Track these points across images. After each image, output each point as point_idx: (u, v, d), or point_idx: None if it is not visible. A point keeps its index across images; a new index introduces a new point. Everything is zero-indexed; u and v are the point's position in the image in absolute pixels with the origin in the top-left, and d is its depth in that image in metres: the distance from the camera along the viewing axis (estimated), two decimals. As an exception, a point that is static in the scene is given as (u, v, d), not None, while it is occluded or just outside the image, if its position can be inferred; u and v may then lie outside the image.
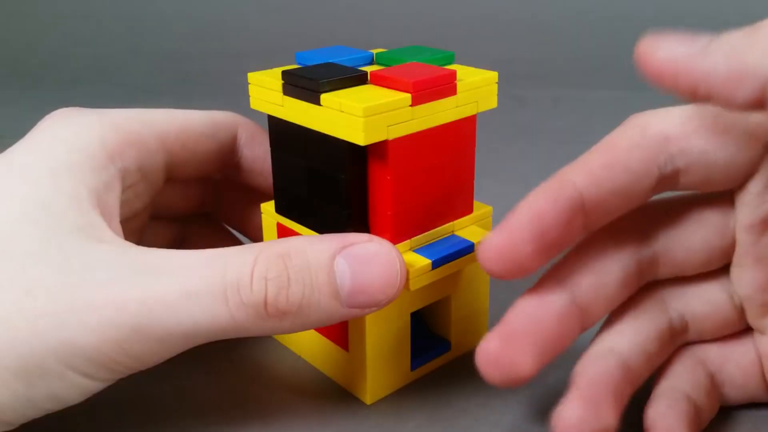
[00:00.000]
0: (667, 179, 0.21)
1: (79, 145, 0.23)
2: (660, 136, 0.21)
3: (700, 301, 0.23)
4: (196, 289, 0.20)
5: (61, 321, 0.20)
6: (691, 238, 0.22)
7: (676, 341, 0.24)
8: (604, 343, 0.22)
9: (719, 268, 0.23)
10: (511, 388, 0.21)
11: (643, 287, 0.23)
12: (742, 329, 0.24)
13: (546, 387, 0.26)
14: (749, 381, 0.24)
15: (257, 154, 0.29)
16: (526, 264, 0.20)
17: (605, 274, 0.22)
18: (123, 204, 0.25)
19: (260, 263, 0.21)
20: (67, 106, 0.26)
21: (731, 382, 0.24)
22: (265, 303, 0.21)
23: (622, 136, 0.21)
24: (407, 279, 0.23)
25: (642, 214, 0.23)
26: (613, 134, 0.22)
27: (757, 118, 0.21)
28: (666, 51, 0.20)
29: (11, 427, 0.21)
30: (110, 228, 0.22)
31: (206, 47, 0.85)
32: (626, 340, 0.22)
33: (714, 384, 0.23)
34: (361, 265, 0.21)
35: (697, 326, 0.23)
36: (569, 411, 0.20)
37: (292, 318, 0.21)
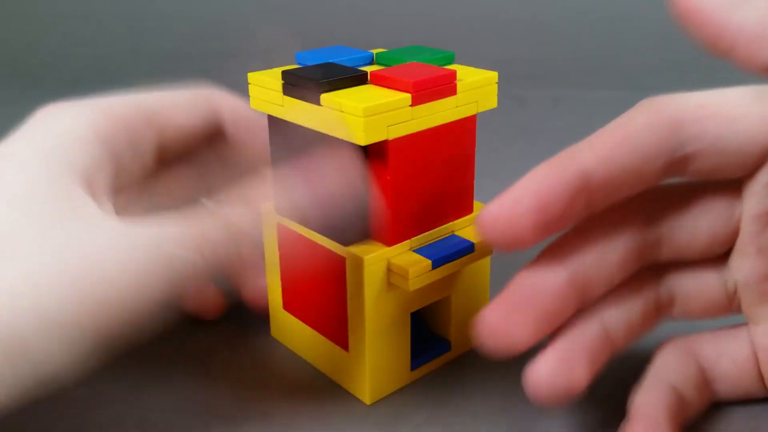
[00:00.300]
0: (677, 164, 0.21)
1: (66, 129, 0.24)
2: (673, 119, 0.21)
3: (692, 280, 0.23)
4: (171, 235, 0.21)
5: (35, 288, 0.20)
6: (696, 224, 0.22)
7: (661, 314, 0.24)
8: (588, 306, 0.22)
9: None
10: (506, 357, 0.21)
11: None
12: (729, 314, 0.24)
13: (546, 387, 0.26)
14: (743, 376, 0.24)
15: (238, 123, 0.29)
16: (523, 237, 0.20)
17: (607, 254, 0.22)
18: (116, 184, 0.25)
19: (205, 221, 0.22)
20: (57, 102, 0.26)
21: (725, 377, 0.24)
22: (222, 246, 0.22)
23: (635, 117, 0.21)
24: (407, 280, 0.23)
25: (648, 197, 0.23)
26: (625, 115, 0.21)
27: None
28: None
29: (5, 409, 0.21)
30: (99, 205, 0.23)
31: (206, 47, 0.85)
32: (610, 307, 0.22)
33: (705, 379, 0.23)
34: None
35: (683, 303, 0.24)
36: (541, 364, 0.21)
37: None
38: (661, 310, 0.24)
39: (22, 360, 0.20)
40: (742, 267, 0.23)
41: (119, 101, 0.26)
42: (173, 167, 0.30)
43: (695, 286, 0.23)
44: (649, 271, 0.23)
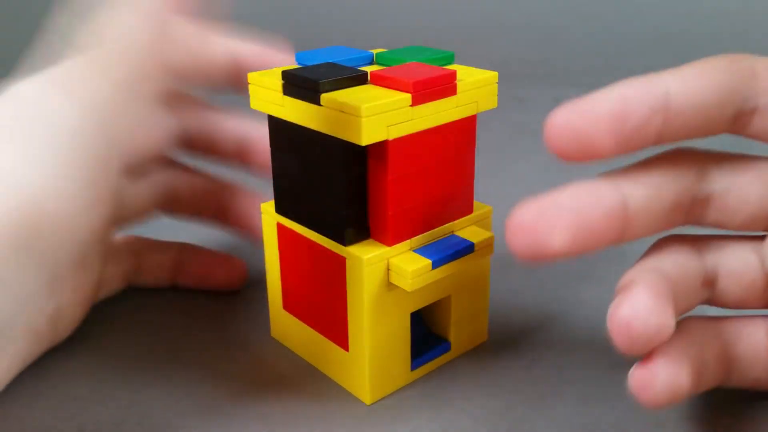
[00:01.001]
0: (744, 116, 0.21)
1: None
2: (750, 70, 0.21)
3: (733, 257, 0.23)
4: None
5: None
6: (747, 188, 0.22)
7: (706, 292, 0.23)
8: (648, 263, 0.22)
9: (758, 235, 0.23)
10: (534, 263, 0.20)
11: (681, 237, 0.23)
12: (765, 303, 0.23)
13: (547, 387, 0.26)
14: (756, 362, 0.23)
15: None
16: (598, 144, 0.20)
17: (661, 193, 0.22)
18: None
19: None
20: None
21: (739, 360, 0.23)
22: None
23: (718, 60, 0.21)
24: (407, 280, 0.23)
25: (709, 155, 0.23)
26: (708, 58, 0.22)
27: None
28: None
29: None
30: None
31: (206, 47, 0.85)
32: (672, 266, 0.22)
33: (725, 354, 0.23)
34: None
35: (724, 282, 0.23)
36: (634, 301, 0.20)
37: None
38: (706, 285, 0.23)
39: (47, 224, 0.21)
40: None
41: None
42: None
43: (738, 266, 0.23)
44: (697, 245, 0.23)
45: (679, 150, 0.23)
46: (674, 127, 0.21)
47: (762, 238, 0.23)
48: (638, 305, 0.19)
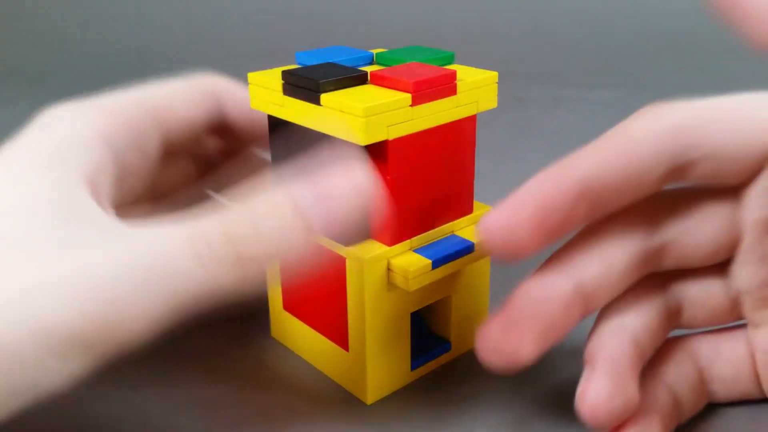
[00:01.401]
0: (678, 171, 0.21)
1: (67, 132, 0.23)
2: (674, 126, 0.21)
3: (696, 287, 0.23)
4: (168, 251, 0.20)
5: (34, 300, 0.19)
6: (700, 230, 0.22)
7: (672, 323, 0.24)
8: (613, 322, 0.22)
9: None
10: (509, 371, 0.21)
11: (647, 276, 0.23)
12: (733, 321, 0.24)
13: (547, 387, 0.26)
14: (740, 378, 0.23)
15: (242, 110, 0.29)
16: (524, 245, 0.20)
17: (611, 262, 0.22)
18: (122, 184, 0.25)
19: (227, 216, 0.20)
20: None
21: (721, 378, 0.23)
22: (237, 252, 0.20)
23: (636, 124, 0.21)
24: (407, 280, 0.23)
25: (651, 203, 0.22)
26: (626, 122, 0.21)
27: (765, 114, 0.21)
28: None
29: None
30: (101, 207, 0.22)
31: (206, 47, 0.85)
32: (633, 318, 0.22)
33: (702, 379, 0.23)
34: (327, 194, 0.20)
35: (690, 311, 0.24)
36: (596, 388, 0.21)
37: (268, 257, 0.20)
38: (672, 319, 0.24)
39: (19, 377, 0.19)
40: (743, 274, 0.22)
41: (120, 99, 0.26)
42: (177, 158, 0.29)
43: (701, 294, 0.23)
44: (655, 280, 0.23)
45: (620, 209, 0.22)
46: (602, 204, 0.21)
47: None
48: (600, 392, 0.21)
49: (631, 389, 0.21)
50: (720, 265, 0.23)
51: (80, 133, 0.23)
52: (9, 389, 0.19)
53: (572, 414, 0.25)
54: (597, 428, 0.21)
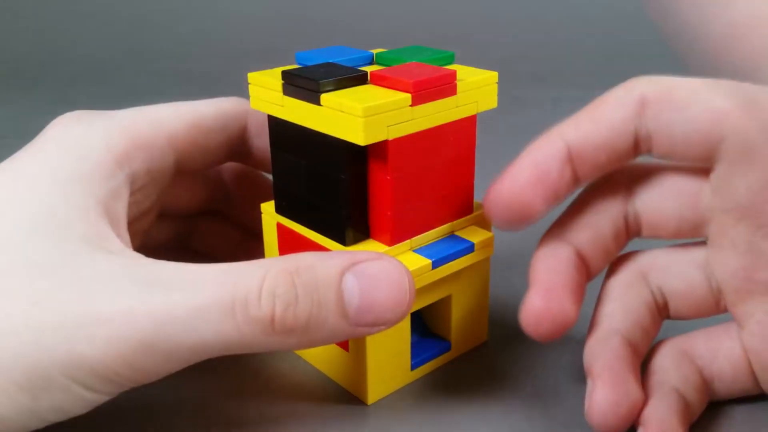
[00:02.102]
0: (642, 142, 0.23)
1: (85, 153, 0.23)
2: (640, 98, 0.22)
3: (678, 279, 0.24)
4: (204, 304, 0.20)
5: (67, 333, 0.19)
6: (665, 203, 0.23)
7: (662, 315, 0.24)
8: (603, 326, 0.23)
9: (699, 248, 0.24)
10: (557, 337, 0.23)
11: (628, 264, 0.25)
12: (719, 313, 0.24)
13: (546, 387, 0.26)
14: (739, 375, 0.24)
15: (267, 143, 0.28)
16: (529, 208, 0.22)
17: (599, 228, 0.24)
18: (131, 205, 0.25)
19: (269, 279, 0.21)
20: (67, 106, 0.26)
21: (721, 376, 0.24)
22: (273, 319, 0.20)
23: (612, 95, 0.23)
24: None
25: (629, 173, 0.24)
26: (606, 93, 0.23)
27: (718, 103, 0.22)
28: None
29: None
30: (118, 237, 0.22)
31: (206, 47, 0.85)
32: (622, 319, 0.23)
33: (703, 379, 0.24)
34: (370, 283, 0.21)
35: (674, 303, 0.24)
36: (600, 399, 0.21)
37: (299, 335, 0.21)
38: (660, 311, 0.24)
39: (44, 395, 0.20)
40: (717, 261, 0.23)
41: (137, 118, 0.25)
42: (189, 178, 0.29)
43: (681, 284, 0.24)
44: (639, 272, 0.24)
45: (607, 175, 0.24)
46: (585, 168, 0.23)
47: (703, 245, 0.24)
48: (605, 402, 0.21)
49: (632, 391, 0.22)
50: (700, 257, 0.24)
51: (96, 154, 0.23)
52: (33, 411, 0.20)
53: (573, 414, 0.25)
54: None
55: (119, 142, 0.24)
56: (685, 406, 0.22)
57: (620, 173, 0.24)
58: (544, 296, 0.22)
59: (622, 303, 0.24)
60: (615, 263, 0.25)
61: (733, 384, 0.24)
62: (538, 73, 0.74)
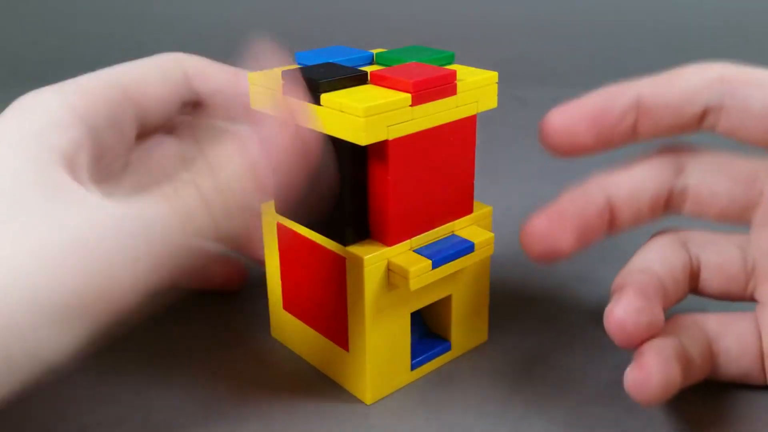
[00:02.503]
0: (711, 114, 0.24)
1: (43, 113, 0.24)
2: (718, 73, 0.24)
3: (715, 252, 0.25)
4: (148, 209, 0.21)
5: (22, 269, 0.19)
6: (719, 181, 0.24)
7: (692, 284, 0.25)
8: (640, 262, 0.24)
9: (739, 234, 0.25)
10: (547, 263, 0.24)
11: (669, 232, 0.26)
12: (745, 298, 0.25)
13: (546, 387, 0.26)
14: (744, 355, 0.24)
15: (212, 86, 0.29)
16: (582, 142, 0.24)
17: (641, 187, 0.24)
18: (99, 162, 0.25)
19: (192, 173, 0.22)
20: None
21: (727, 353, 0.24)
22: (206, 201, 0.21)
23: (688, 68, 0.24)
24: (407, 280, 0.23)
25: (688, 150, 0.25)
26: (684, 66, 0.24)
27: None
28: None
29: (3, 401, 0.21)
30: (83, 185, 0.22)
31: (206, 47, 0.85)
32: (659, 265, 0.24)
33: (711, 350, 0.24)
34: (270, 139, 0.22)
35: (706, 274, 0.25)
36: (624, 304, 0.22)
37: (232, 201, 0.22)
38: (692, 277, 0.25)
39: (17, 348, 0.19)
40: (760, 239, 0.24)
41: (95, 79, 0.26)
42: (153, 136, 0.30)
43: (717, 257, 0.25)
44: (679, 237, 0.25)
45: (662, 146, 0.25)
46: (647, 124, 0.24)
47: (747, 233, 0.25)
48: (629, 307, 0.22)
49: (657, 311, 0.23)
50: (740, 236, 0.25)
51: (57, 113, 0.24)
52: (8, 361, 0.19)
53: (573, 414, 0.25)
54: (622, 342, 0.22)
55: (77, 98, 0.25)
56: (687, 362, 0.23)
57: (672, 149, 0.25)
58: (549, 220, 0.23)
59: (661, 254, 0.25)
60: (656, 233, 0.26)
61: (737, 364, 0.24)
62: (538, 73, 0.74)
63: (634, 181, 0.24)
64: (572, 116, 0.24)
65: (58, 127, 0.24)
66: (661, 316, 0.23)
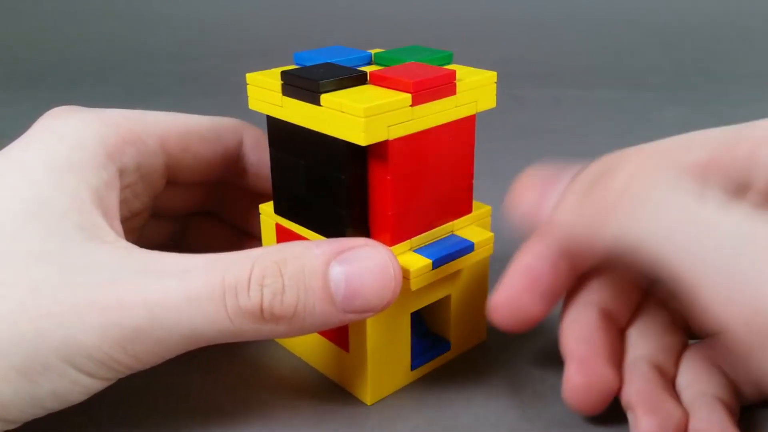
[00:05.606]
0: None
1: (79, 143, 0.23)
2: (603, 203, 0.22)
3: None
4: (196, 293, 0.20)
5: (64, 320, 0.20)
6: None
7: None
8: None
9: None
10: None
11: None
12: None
13: (546, 387, 0.26)
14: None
15: (263, 159, 0.29)
16: (530, 313, 0.23)
17: (619, 283, 0.24)
18: (121, 203, 0.25)
19: (257, 269, 0.21)
20: (67, 106, 0.26)
21: (746, 379, 0.24)
22: (261, 308, 0.21)
23: (574, 193, 0.23)
24: (407, 280, 0.23)
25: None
26: (573, 185, 0.23)
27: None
28: None
29: (14, 426, 0.22)
30: (111, 227, 0.22)
31: (206, 47, 0.85)
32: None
33: (733, 384, 0.24)
34: (356, 269, 0.21)
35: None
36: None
37: (287, 323, 0.21)
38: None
39: (43, 381, 0.20)
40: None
41: (129, 115, 0.26)
42: (181, 184, 0.29)
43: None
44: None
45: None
46: (580, 259, 0.24)
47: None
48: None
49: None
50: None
51: (89, 146, 0.24)
52: (33, 397, 0.20)
53: (572, 414, 0.25)
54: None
55: (111, 135, 0.24)
56: (732, 413, 0.22)
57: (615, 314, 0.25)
58: (579, 369, 0.23)
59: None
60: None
61: (756, 387, 0.24)
62: (538, 73, 0.74)
63: (610, 281, 0.24)
64: (512, 299, 0.23)
65: (94, 164, 0.23)
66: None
